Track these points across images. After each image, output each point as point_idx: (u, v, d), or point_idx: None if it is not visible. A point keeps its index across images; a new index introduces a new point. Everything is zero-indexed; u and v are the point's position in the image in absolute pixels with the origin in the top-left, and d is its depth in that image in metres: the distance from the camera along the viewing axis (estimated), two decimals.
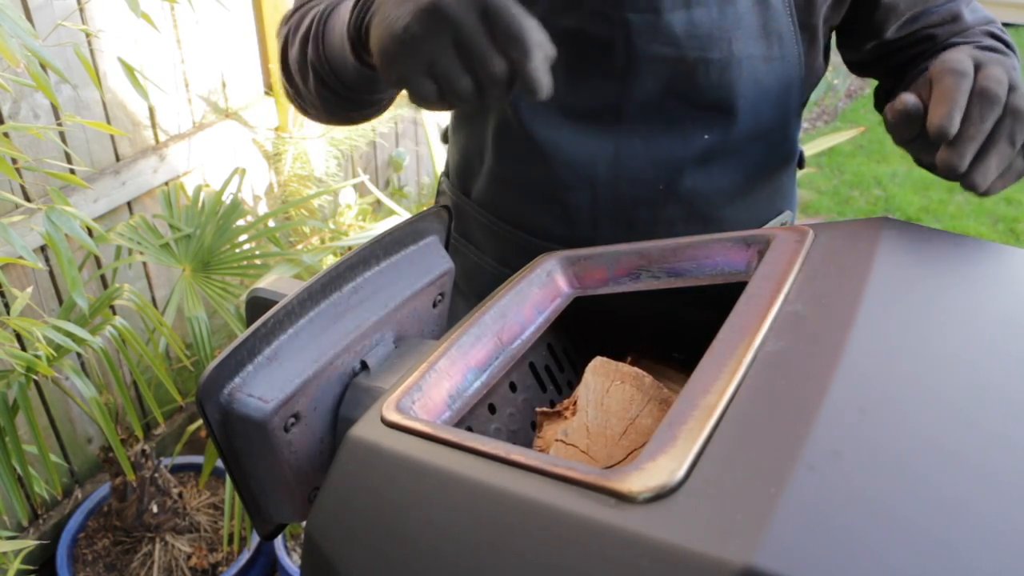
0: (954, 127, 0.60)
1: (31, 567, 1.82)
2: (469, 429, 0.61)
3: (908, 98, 0.63)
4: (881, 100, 0.98)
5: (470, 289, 1.04)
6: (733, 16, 0.80)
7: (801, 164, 1.01)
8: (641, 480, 0.40)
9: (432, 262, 0.72)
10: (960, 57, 0.63)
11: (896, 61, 0.92)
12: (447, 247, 0.76)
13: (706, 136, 0.85)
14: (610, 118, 0.85)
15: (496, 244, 0.99)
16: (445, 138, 1.09)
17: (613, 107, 0.84)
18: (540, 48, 0.54)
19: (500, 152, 0.93)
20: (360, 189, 2.46)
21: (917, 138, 0.65)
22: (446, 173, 1.09)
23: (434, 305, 0.73)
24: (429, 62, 0.55)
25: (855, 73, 0.99)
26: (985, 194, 0.64)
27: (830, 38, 0.91)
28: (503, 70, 0.54)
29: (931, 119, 0.60)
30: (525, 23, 0.53)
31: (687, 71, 0.81)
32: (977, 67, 0.63)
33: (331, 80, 0.78)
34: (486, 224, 0.99)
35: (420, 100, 0.57)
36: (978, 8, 0.90)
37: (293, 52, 0.83)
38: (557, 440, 0.58)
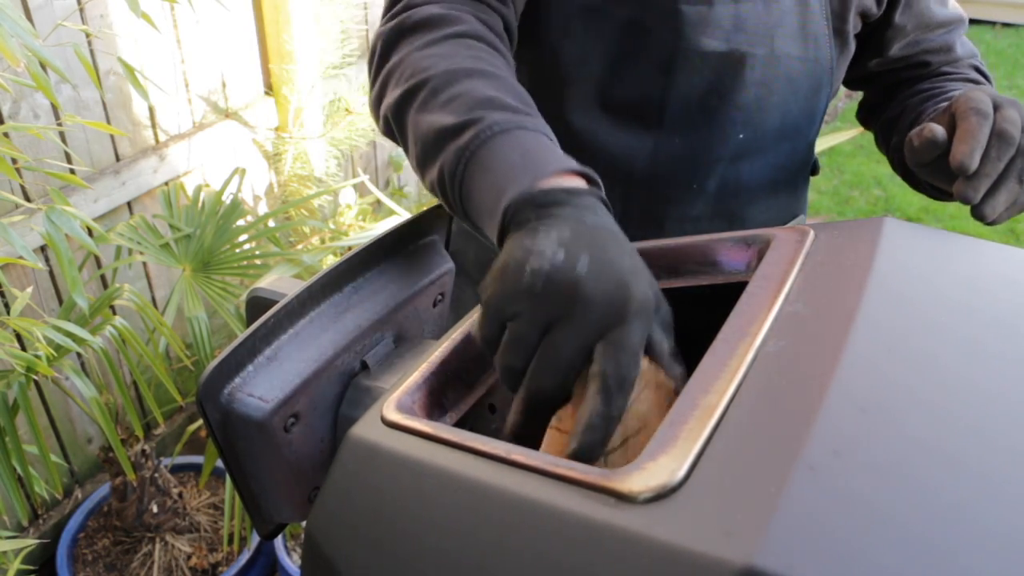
0: (975, 164, 0.65)
1: (31, 567, 1.82)
2: (469, 429, 0.61)
3: (937, 129, 0.68)
4: (864, 113, 1.04)
5: (482, 277, 1.03)
6: (777, 13, 0.82)
7: (815, 171, 1.02)
8: (641, 480, 0.40)
9: (432, 262, 0.72)
10: (982, 97, 0.68)
11: (890, 80, 0.97)
12: (447, 247, 0.76)
13: (741, 136, 0.86)
14: (652, 115, 0.85)
15: None
16: None
17: (656, 103, 0.84)
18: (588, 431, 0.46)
19: None
20: (360, 189, 2.46)
21: (930, 164, 0.71)
22: None
23: (434, 305, 0.73)
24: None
25: (848, 87, 1.03)
26: (992, 224, 0.69)
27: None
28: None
29: (954, 154, 0.65)
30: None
31: (732, 66, 0.82)
32: (996, 108, 0.68)
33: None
34: None
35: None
36: (967, 43, 0.97)
37: (410, 130, 0.67)
38: (551, 428, 0.57)
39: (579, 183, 0.56)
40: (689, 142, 0.86)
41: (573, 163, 0.57)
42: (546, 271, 0.48)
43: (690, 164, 0.87)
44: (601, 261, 0.48)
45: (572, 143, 0.87)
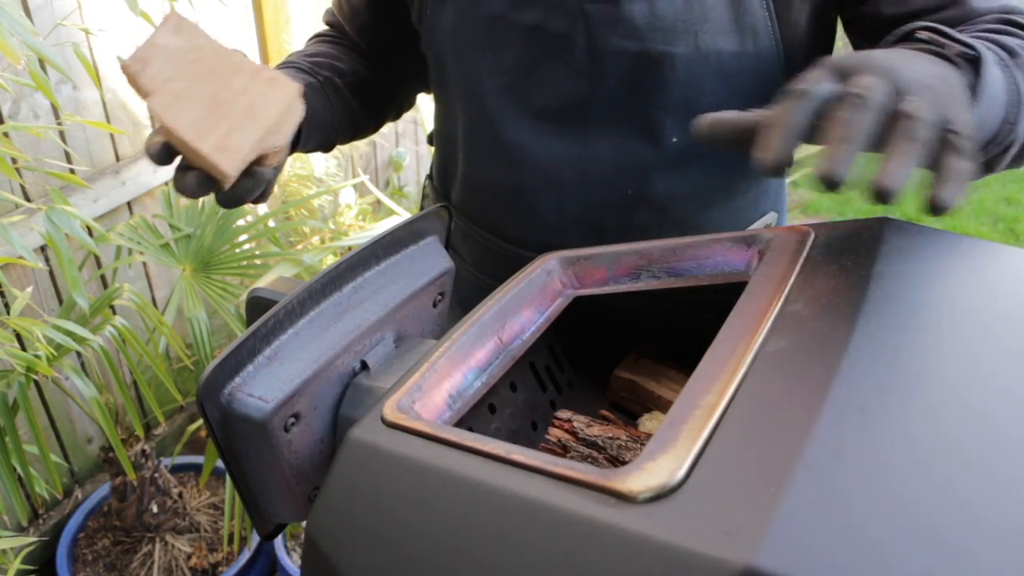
0: (774, 147, 0.49)
1: (31, 567, 1.82)
2: (469, 429, 0.61)
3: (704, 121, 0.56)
4: None
5: (452, 295, 1.04)
6: (700, 8, 0.76)
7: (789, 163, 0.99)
8: (641, 480, 0.40)
9: (432, 262, 0.72)
10: (826, 63, 0.52)
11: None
12: (447, 247, 0.76)
13: (675, 139, 0.83)
14: (575, 119, 0.83)
15: (472, 249, 0.98)
16: (431, 140, 1.08)
17: (578, 107, 0.82)
18: None
19: (471, 154, 0.92)
20: (360, 189, 2.46)
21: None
22: (430, 176, 1.08)
23: (434, 305, 0.73)
24: None
25: None
26: (939, 210, 0.50)
27: (828, 32, 0.86)
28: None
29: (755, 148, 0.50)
30: None
31: (651, 66, 0.78)
32: (846, 73, 0.51)
33: None
34: (463, 228, 0.98)
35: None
36: None
37: None
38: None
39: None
40: (616, 148, 0.83)
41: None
42: None
43: (620, 170, 0.84)
44: None
45: (503, 154, 0.87)
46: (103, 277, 1.85)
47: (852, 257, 0.57)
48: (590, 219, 0.88)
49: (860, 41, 0.86)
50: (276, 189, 2.27)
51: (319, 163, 2.25)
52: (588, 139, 0.84)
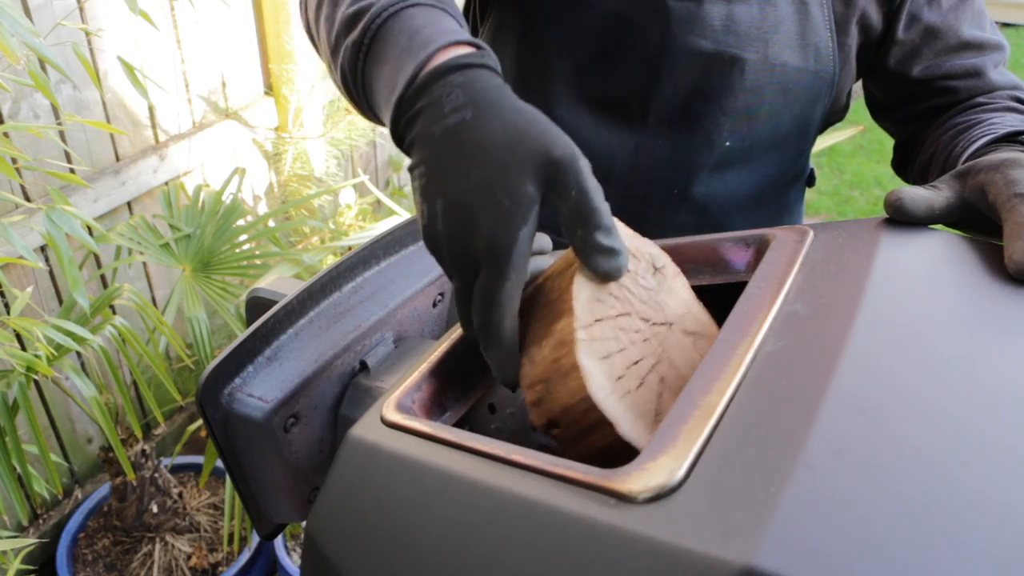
0: None
1: (31, 567, 1.82)
2: (469, 429, 0.61)
3: (908, 197, 0.59)
4: (899, 158, 0.93)
5: None
6: (773, 18, 0.79)
7: (811, 182, 1.00)
8: (641, 480, 0.40)
9: (432, 262, 0.72)
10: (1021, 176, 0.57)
11: (915, 111, 0.88)
12: None
13: (727, 143, 0.84)
14: (635, 113, 0.84)
15: None
16: None
17: (640, 100, 0.83)
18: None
19: None
20: (360, 189, 2.46)
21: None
22: None
23: (434, 305, 0.73)
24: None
25: (875, 118, 0.95)
26: None
27: (860, 71, 0.89)
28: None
29: (1011, 254, 0.54)
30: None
31: (720, 69, 0.80)
32: None
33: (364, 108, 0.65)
34: None
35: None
36: (1007, 73, 0.86)
37: (322, 38, 0.66)
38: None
39: (460, 52, 0.52)
40: (672, 145, 0.84)
41: (454, 35, 0.54)
42: (423, 237, 0.51)
43: (672, 168, 0.85)
44: (452, 201, 0.48)
45: None
46: (103, 277, 1.85)
47: (852, 257, 0.57)
48: (632, 213, 0.87)
49: (879, 93, 0.90)
50: (276, 189, 2.27)
51: (319, 163, 2.25)
52: (645, 134, 0.85)
